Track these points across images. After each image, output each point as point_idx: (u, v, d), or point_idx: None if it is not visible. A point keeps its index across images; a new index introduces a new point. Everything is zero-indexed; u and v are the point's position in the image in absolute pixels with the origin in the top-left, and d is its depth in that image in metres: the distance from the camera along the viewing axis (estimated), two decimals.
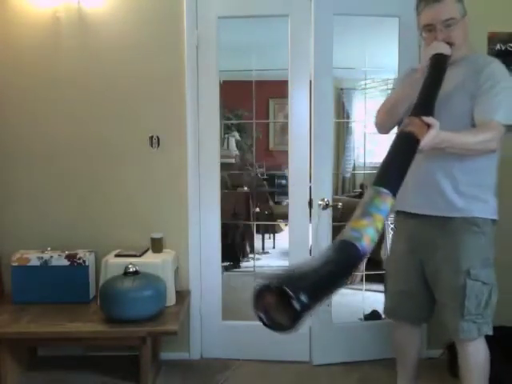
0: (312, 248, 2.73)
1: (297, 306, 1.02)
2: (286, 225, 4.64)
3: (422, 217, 1.95)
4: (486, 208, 1.92)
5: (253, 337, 2.87)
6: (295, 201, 2.78)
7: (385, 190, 1.29)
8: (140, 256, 2.63)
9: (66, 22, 2.71)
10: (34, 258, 2.62)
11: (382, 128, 2.12)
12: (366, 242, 1.17)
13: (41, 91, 2.77)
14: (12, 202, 2.82)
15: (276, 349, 2.83)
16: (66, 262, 2.62)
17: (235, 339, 2.88)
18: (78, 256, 2.64)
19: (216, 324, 2.89)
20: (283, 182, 6.34)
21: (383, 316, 2.24)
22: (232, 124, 6.68)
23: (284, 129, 6.67)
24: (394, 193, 1.31)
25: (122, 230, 2.81)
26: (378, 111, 2.11)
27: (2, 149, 2.80)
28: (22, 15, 2.71)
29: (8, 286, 2.72)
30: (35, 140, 2.80)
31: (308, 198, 2.74)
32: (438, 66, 1.81)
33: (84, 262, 2.63)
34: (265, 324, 1.09)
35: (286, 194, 3.01)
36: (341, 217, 2.96)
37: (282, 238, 5.36)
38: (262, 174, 6.81)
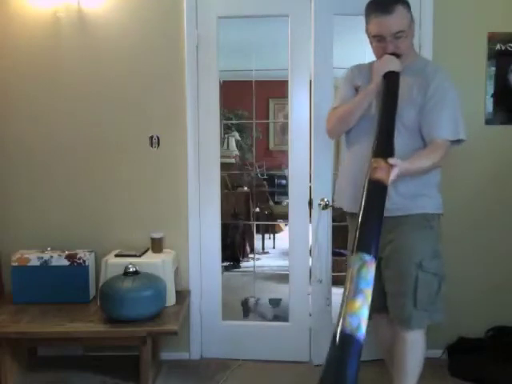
0: (312, 248, 2.73)
1: None
2: (286, 225, 4.64)
3: None
4: (433, 203, 2.02)
5: (253, 337, 2.87)
6: (295, 201, 2.78)
7: (368, 258, 1.46)
8: (140, 256, 2.64)
9: (66, 21, 2.71)
10: (34, 258, 2.62)
11: (334, 134, 2.21)
12: (364, 325, 1.34)
13: (40, 91, 2.77)
14: (12, 202, 2.82)
15: (276, 349, 2.83)
16: (65, 262, 2.62)
17: (235, 339, 2.88)
18: (77, 256, 2.64)
19: (216, 324, 2.89)
20: (283, 182, 6.34)
21: None
22: (232, 124, 6.68)
23: (284, 129, 6.67)
24: (376, 255, 1.49)
25: (121, 229, 2.81)
26: (329, 118, 2.13)
27: (2, 149, 2.80)
28: (22, 15, 2.71)
29: (8, 286, 2.72)
30: (35, 140, 2.80)
31: (308, 197, 2.74)
32: (392, 86, 1.88)
33: (84, 262, 2.63)
34: None
35: (286, 194, 3.01)
36: (341, 217, 2.96)
37: (282, 238, 5.36)
38: (262, 174, 6.80)
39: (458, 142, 1.98)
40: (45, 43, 2.73)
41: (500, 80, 2.69)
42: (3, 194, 2.82)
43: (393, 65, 1.91)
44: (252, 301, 3.42)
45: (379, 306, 2.10)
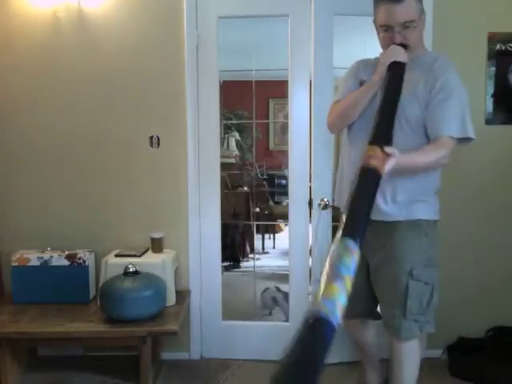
0: (312, 248, 2.73)
1: None
2: (286, 225, 4.64)
3: None
4: (429, 210, 1.92)
5: (253, 337, 2.87)
6: (295, 201, 2.78)
7: (352, 245, 1.36)
8: (140, 256, 2.64)
9: (65, 21, 2.71)
10: (34, 258, 2.62)
11: (334, 129, 2.11)
12: (339, 311, 1.25)
13: (41, 91, 2.77)
14: (12, 202, 2.82)
15: (276, 349, 2.81)
16: (66, 262, 2.62)
17: (235, 339, 2.88)
18: (77, 256, 2.64)
19: (216, 324, 2.89)
20: (283, 182, 6.33)
21: None
22: (232, 124, 6.68)
23: (284, 129, 6.67)
24: (361, 242, 1.39)
25: (122, 229, 2.81)
26: (331, 112, 2.04)
27: (3, 149, 2.80)
28: (22, 15, 2.71)
29: (8, 286, 2.72)
30: (35, 140, 2.79)
31: (308, 197, 2.74)
32: (396, 78, 1.79)
33: (84, 262, 2.63)
34: None
35: (286, 194, 3.01)
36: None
37: (282, 238, 5.36)
38: (262, 174, 6.80)
39: (466, 141, 1.86)
40: (45, 43, 2.73)
41: (500, 80, 2.69)
42: (3, 193, 2.82)
43: (399, 55, 1.80)
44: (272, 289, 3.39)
45: (353, 311, 1.80)
